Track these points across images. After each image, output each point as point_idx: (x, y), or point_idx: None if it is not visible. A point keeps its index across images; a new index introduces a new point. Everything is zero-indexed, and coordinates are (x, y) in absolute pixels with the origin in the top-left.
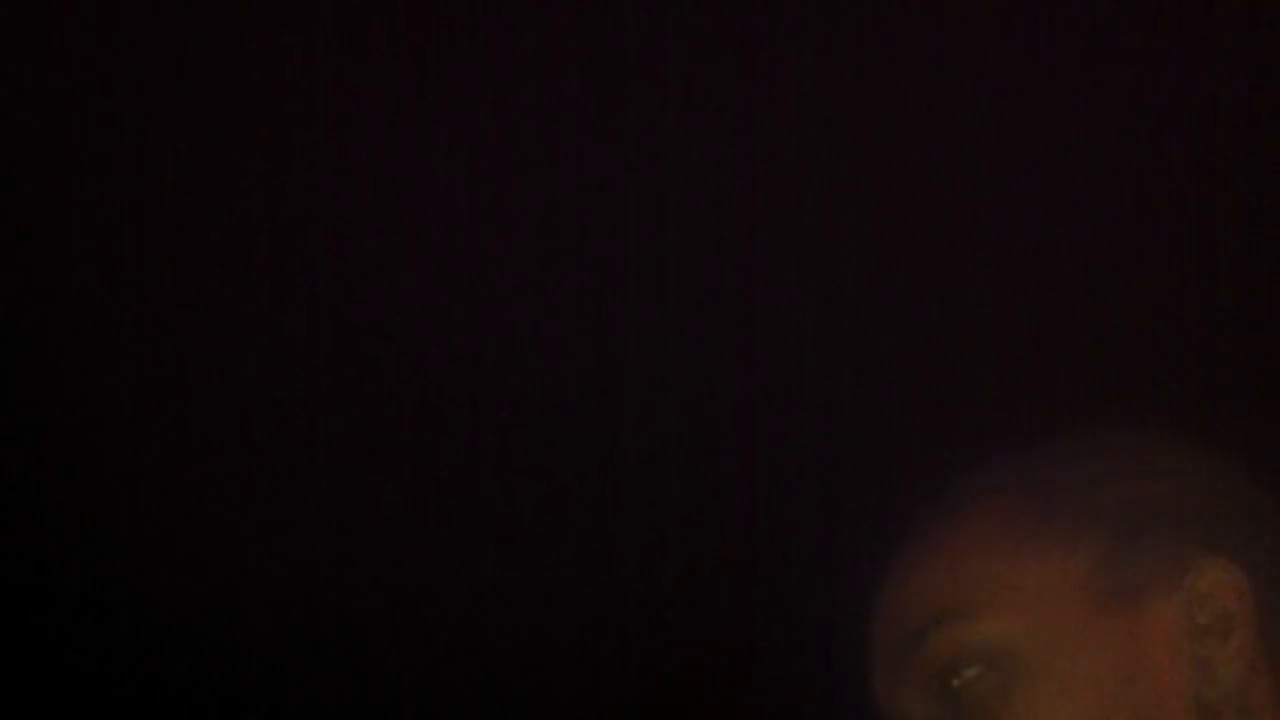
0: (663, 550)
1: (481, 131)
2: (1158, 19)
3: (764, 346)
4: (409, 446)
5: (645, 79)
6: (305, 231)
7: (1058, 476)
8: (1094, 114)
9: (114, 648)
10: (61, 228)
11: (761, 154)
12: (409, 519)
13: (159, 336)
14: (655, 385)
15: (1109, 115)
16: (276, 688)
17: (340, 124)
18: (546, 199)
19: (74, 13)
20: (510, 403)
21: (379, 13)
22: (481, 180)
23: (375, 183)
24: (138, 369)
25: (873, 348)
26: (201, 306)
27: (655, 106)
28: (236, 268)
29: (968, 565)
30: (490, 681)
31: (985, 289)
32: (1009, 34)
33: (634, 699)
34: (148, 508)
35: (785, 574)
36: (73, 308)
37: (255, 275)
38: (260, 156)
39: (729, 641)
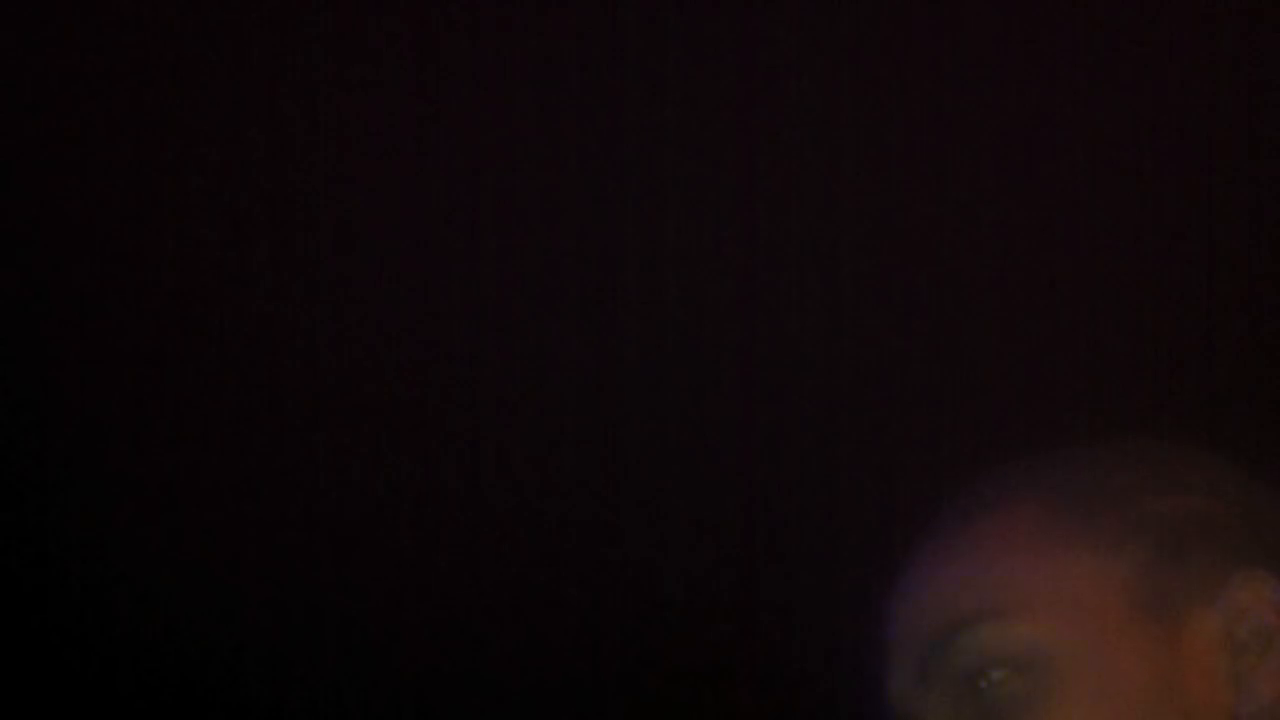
0: (664, 550)
1: (482, 131)
2: (1157, 19)
3: (767, 341)
4: (409, 446)
5: (645, 79)
6: (305, 231)
7: (1096, 484)
8: (1095, 114)
9: (114, 647)
10: (61, 228)
11: (761, 154)
12: (409, 519)
13: (158, 336)
14: (655, 385)
15: (1110, 115)
16: (276, 688)
17: (340, 124)
18: (546, 199)
19: (74, 13)
20: (510, 403)
21: (379, 12)
22: (482, 180)
23: (375, 183)
24: (137, 368)
25: (874, 344)
26: (201, 306)
27: (655, 106)
28: (236, 268)
29: (1001, 565)
30: (490, 681)
31: (992, 286)
32: (1009, 34)
33: (634, 699)
34: (147, 507)
35: (789, 572)
36: (73, 308)
37: (255, 275)
38: (260, 156)
39: (730, 641)
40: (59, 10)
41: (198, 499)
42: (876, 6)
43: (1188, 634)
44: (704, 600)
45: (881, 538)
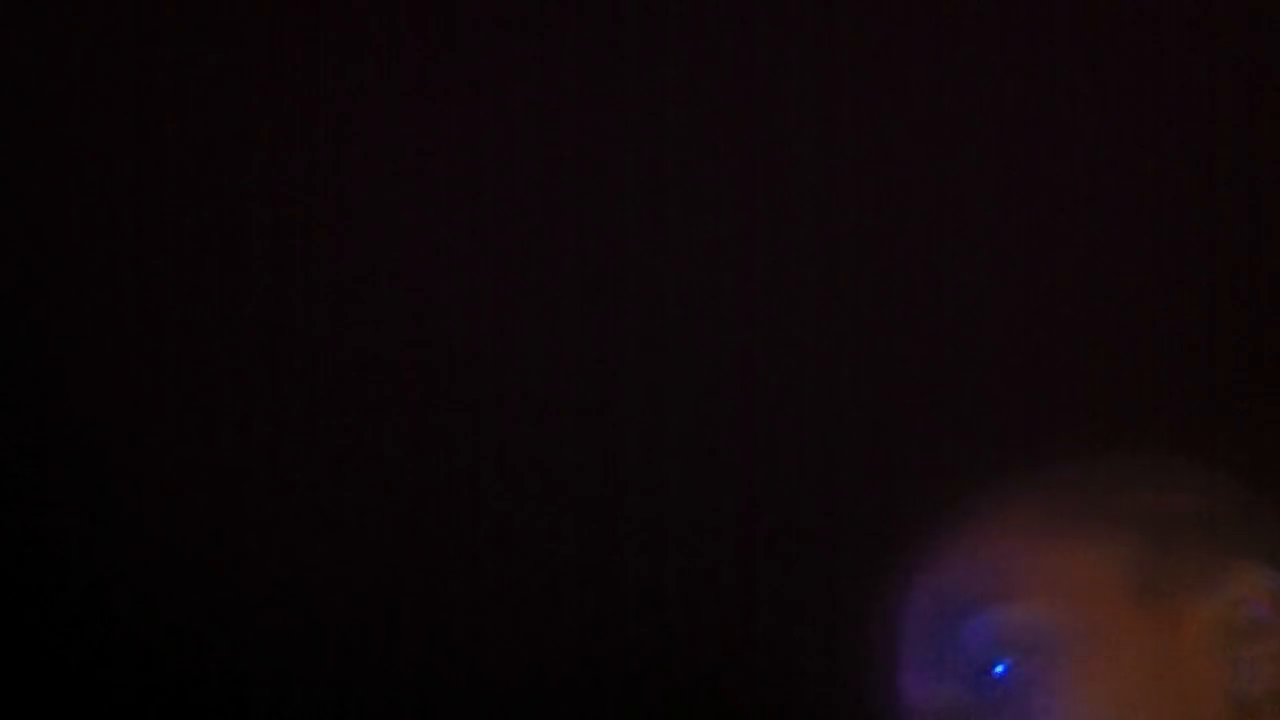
0: (664, 550)
1: (481, 131)
2: (1158, 19)
3: (767, 341)
4: (408, 446)
5: (645, 79)
6: (305, 231)
7: (1094, 481)
8: (1096, 114)
9: (114, 647)
10: (61, 228)
11: (761, 154)
12: (408, 519)
13: (158, 336)
14: (655, 385)
15: (1111, 116)
16: (275, 688)
17: (340, 124)
18: (546, 199)
19: (74, 13)
20: (510, 402)
21: (379, 12)
22: (481, 180)
23: (375, 183)
24: (137, 369)
25: (874, 345)
26: (201, 307)
27: (655, 106)
28: (236, 268)
29: (1007, 553)
30: (490, 681)
31: (992, 285)
32: (1009, 34)
33: (634, 699)
34: (147, 507)
35: (789, 571)
36: (73, 308)
37: (255, 275)
38: (260, 156)
39: (730, 641)
40: (59, 10)
41: (196, 498)
42: (876, 6)
43: (1187, 620)
44: (704, 600)
45: (882, 537)
